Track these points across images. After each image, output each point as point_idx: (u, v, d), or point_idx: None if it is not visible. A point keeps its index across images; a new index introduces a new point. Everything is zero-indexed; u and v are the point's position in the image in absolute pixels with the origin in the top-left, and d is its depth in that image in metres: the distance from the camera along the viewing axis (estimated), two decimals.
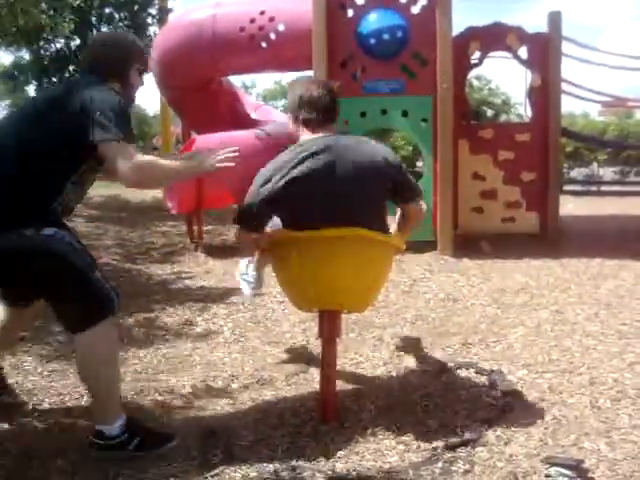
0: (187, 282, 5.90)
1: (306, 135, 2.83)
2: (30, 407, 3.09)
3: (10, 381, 3.42)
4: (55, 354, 3.89)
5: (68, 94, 2.45)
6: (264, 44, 7.70)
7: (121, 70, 2.61)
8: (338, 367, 3.07)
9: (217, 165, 2.58)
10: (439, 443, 2.58)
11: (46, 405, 3.12)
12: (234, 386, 3.28)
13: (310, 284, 2.79)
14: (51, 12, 10.60)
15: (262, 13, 7.76)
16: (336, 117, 2.88)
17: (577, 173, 16.25)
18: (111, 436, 2.47)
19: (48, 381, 3.46)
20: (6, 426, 2.89)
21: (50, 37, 11.47)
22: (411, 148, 12.51)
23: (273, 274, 3.12)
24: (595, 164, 15.97)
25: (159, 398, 3.18)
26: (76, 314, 2.44)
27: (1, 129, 2.56)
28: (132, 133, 2.47)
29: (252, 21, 7.73)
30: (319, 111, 2.81)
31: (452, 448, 2.54)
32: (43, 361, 3.77)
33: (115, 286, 2.60)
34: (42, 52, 11.76)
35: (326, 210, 2.70)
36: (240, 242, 3.02)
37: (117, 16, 11.77)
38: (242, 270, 3.41)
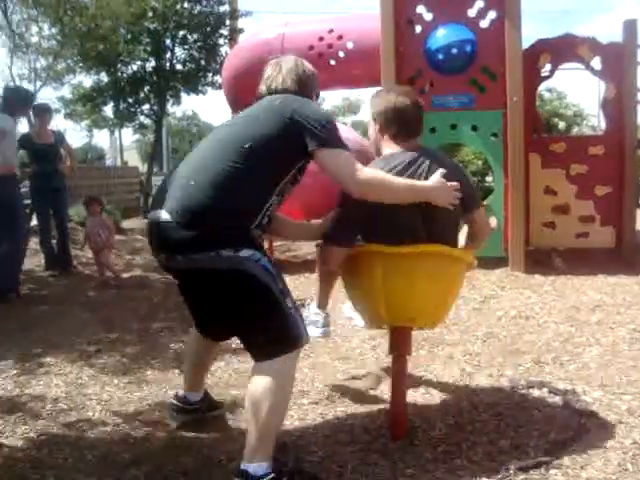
0: None
1: (391, 148, 2.81)
2: (106, 417, 3.20)
3: (88, 391, 3.57)
4: (129, 366, 4.01)
5: (270, 109, 2.49)
6: (333, 62, 7.80)
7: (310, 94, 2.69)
8: (408, 384, 3.06)
9: (450, 201, 2.58)
10: (511, 464, 2.52)
11: (122, 416, 3.22)
12: (304, 401, 3.30)
13: (383, 299, 2.77)
14: (129, 36, 11.03)
15: (331, 31, 7.87)
16: (421, 130, 2.87)
17: None
18: (256, 476, 2.30)
19: (124, 392, 3.57)
20: (84, 435, 3.01)
21: (127, 60, 11.89)
22: (481, 163, 12.35)
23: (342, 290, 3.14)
24: None
25: (229, 413, 3.23)
26: (262, 341, 2.35)
27: (200, 153, 2.52)
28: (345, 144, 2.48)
29: (321, 39, 7.84)
30: (408, 123, 2.79)
31: (525, 470, 2.48)
32: (119, 373, 3.89)
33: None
34: (119, 74, 12.19)
35: (410, 226, 2.68)
36: (328, 262, 2.87)
37: (190, 38, 12.09)
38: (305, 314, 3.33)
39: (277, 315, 2.35)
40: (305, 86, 2.67)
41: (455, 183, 2.60)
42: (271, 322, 2.34)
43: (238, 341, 4.43)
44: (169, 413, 3.06)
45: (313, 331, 3.09)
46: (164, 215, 2.32)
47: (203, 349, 2.93)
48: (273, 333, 2.34)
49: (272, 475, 2.30)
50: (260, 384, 2.33)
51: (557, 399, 3.18)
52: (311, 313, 3.15)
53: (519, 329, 4.54)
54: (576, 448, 2.65)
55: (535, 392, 3.30)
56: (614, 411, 3.02)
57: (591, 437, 2.75)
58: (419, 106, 2.86)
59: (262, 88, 2.69)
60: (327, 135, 2.41)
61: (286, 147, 2.41)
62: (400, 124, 2.80)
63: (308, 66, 2.76)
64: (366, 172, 2.45)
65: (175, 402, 3.02)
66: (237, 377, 3.78)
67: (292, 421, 3.08)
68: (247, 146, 2.37)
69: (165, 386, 3.66)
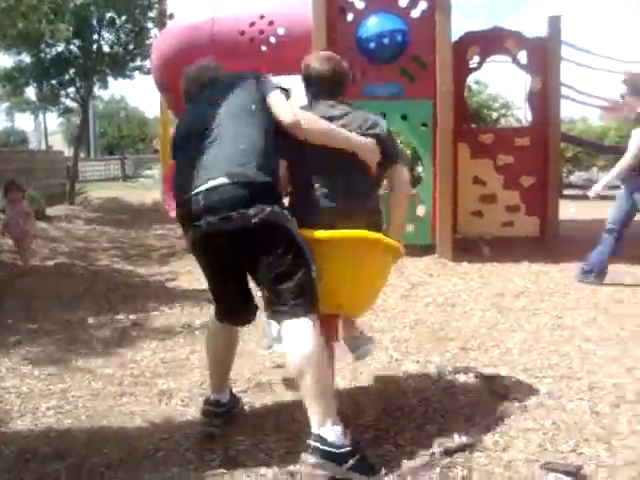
0: (185, 284, 5.89)
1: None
2: (25, 410, 3.09)
3: (6, 384, 3.44)
4: (51, 357, 3.89)
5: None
6: (264, 47, 7.72)
7: None
8: (336, 371, 3.06)
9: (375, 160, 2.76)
10: (437, 448, 2.56)
11: (43, 409, 3.11)
12: (233, 391, 3.27)
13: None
14: (51, 16, 10.60)
15: (262, 17, 7.79)
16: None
17: (577, 177, 16.25)
18: (335, 443, 2.29)
19: (46, 384, 3.45)
20: (1, 429, 2.89)
21: (51, 41, 11.45)
22: (410, 152, 12.48)
23: None
24: (595, 169, 15.97)
25: (157, 402, 3.17)
26: (294, 295, 2.44)
27: (226, 124, 2.61)
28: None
29: (252, 25, 7.75)
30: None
31: (450, 453, 2.52)
32: (40, 364, 3.76)
33: None
34: (43, 55, 11.73)
35: (328, 194, 2.70)
36: None
37: (118, 20, 11.74)
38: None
39: (308, 274, 2.48)
40: None
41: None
42: (303, 278, 2.46)
43: (166, 329, 4.40)
44: (205, 421, 2.84)
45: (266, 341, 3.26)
46: (220, 179, 2.45)
47: (223, 345, 2.87)
48: (304, 289, 2.46)
49: (347, 450, 2.30)
50: (300, 346, 2.39)
51: (482, 384, 3.25)
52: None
53: (446, 316, 4.62)
54: (499, 431, 2.72)
55: (461, 378, 3.36)
56: (535, 394, 3.11)
57: (513, 420, 2.83)
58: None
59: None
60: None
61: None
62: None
63: None
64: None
65: (209, 408, 2.85)
66: (165, 366, 3.71)
67: None
68: (253, 107, 2.61)
69: (89, 377, 3.56)
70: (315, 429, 2.34)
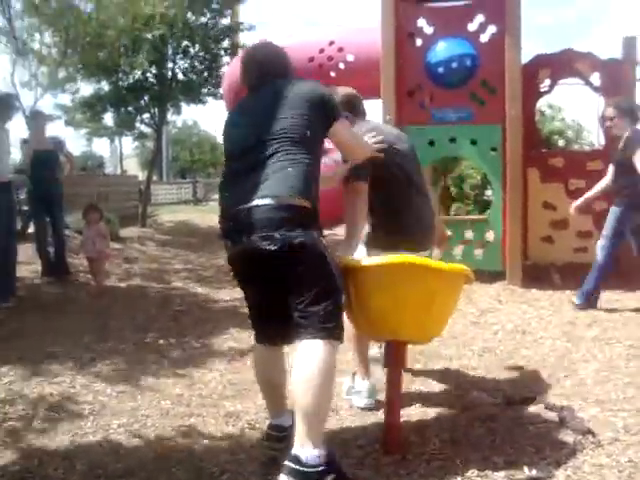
0: None
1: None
2: (98, 427, 3.18)
3: (81, 400, 3.55)
4: (123, 376, 3.99)
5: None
6: (333, 74, 7.84)
7: None
8: (403, 399, 3.03)
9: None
10: None
11: (114, 426, 3.20)
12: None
13: (361, 312, 2.86)
14: (130, 46, 11.01)
15: (331, 43, 7.92)
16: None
17: None
18: (308, 463, 2.32)
19: (117, 402, 3.55)
20: (75, 442, 2.98)
21: (128, 70, 11.88)
22: (480, 177, 12.37)
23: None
24: None
25: (223, 424, 3.21)
26: (320, 318, 2.47)
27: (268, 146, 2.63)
28: None
29: (321, 51, 7.89)
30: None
31: None
32: (113, 382, 3.87)
33: None
34: (120, 83, 12.19)
35: None
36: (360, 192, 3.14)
37: (192, 49, 12.11)
38: (347, 387, 3.53)
39: (337, 302, 2.54)
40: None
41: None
42: (332, 305, 2.50)
43: (234, 352, 4.45)
44: (268, 445, 2.84)
45: (357, 401, 3.39)
46: (266, 200, 2.49)
47: (271, 368, 2.86)
48: (331, 316, 2.49)
49: (322, 468, 2.33)
50: (317, 367, 2.40)
51: (552, 415, 3.15)
52: (356, 383, 3.43)
53: (515, 344, 4.52)
54: (571, 466, 2.63)
55: (531, 408, 3.27)
56: (610, 428, 3.00)
57: (587, 455, 2.73)
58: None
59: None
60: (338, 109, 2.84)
61: (320, 126, 2.72)
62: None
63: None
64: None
65: (271, 432, 2.85)
66: (231, 388, 3.76)
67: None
68: (308, 133, 2.63)
69: (159, 396, 3.64)
70: (296, 449, 2.35)
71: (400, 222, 3.30)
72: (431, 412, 3.27)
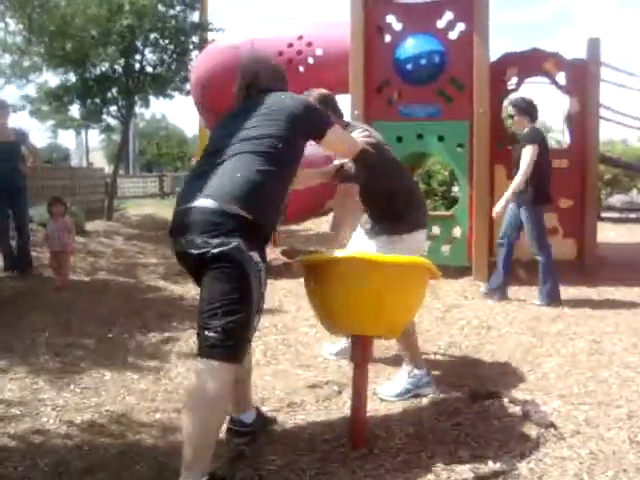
0: None
1: None
2: (61, 423, 3.13)
3: (43, 397, 3.49)
4: (86, 371, 3.94)
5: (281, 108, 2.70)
6: (301, 68, 7.80)
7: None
8: (370, 393, 3.04)
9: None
10: (470, 474, 2.53)
11: (78, 422, 3.15)
12: (264, 409, 3.27)
13: (324, 309, 2.88)
14: (98, 36, 10.83)
15: (300, 38, 7.88)
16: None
17: (616, 200, 15.98)
18: None
19: (81, 398, 3.50)
20: (37, 440, 2.94)
21: (96, 61, 11.69)
22: (447, 173, 12.47)
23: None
24: (635, 191, 15.70)
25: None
26: (219, 336, 2.37)
27: (231, 148, 2.61)
28: None
29: (290, 45, 7.85)
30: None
31: (482, 479, 2.49)
32: (76, 378, 3.81)
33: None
34: (87, 74, 11.99)
35: None
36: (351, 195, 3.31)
37: (162, 42, 11.96)
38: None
39: (242, 322, 2.40)
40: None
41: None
42: (234, 324, 2.38)
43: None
44: (227, 438, 2.88)
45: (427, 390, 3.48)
46: (201, 201, 2.45)
47: None
48: (231, 335, 2.38)
49: None
50: (205, 388, 2.36)
51: (517, 409, 3.20)
52: (418, 378, 3.48)
53: (481, 339, 4.57)
54: (534, 458, 2.67)
55: (495, 402, 3.31)
56: (572, 421, 3.05)
57: (549, 448, 2.77)
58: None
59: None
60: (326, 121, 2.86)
61: (300, 142, 2.69)
62: None
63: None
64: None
65: (232, 427, 2.88)
66: None
67: None
68: (280, 146, 2.57)
69: (123, 392, 3.59)
70: (182, 470, 2.31)
71: (409, 204, 3.52)
72: (397, 407, 3.29)
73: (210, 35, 12.30)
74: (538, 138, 5.73)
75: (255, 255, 2.45)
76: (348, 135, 3.14)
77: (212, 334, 2.39)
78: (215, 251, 2.38)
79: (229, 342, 2.37)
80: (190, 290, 6.54)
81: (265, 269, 2.52)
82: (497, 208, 5.78)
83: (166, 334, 4.81)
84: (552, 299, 5.61)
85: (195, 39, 12.26)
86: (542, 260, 5.71)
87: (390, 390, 3.45)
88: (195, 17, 12.43)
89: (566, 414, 3.15)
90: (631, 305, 5.55)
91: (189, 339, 4.65)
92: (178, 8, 11.89)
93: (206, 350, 2.40)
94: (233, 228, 2.41)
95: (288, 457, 2.71)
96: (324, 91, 3.50)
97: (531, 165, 5.59)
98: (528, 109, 5.78)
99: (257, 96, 2.78)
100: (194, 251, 2.44)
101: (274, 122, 2.61)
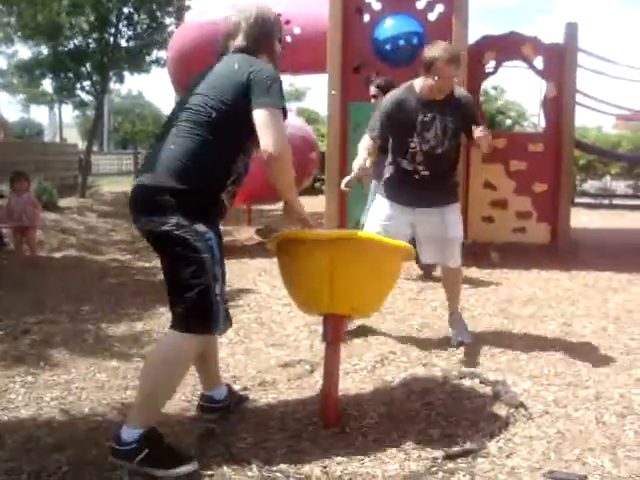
0: None
1: None
2: (30, 400, 3.10)
3: (12, 373, 3.45)
4: (57, 348, 3.89)
5: (229, 76, 2.53)
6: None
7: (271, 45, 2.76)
8: (341, 372, 3.05)
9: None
10: (440, 453, 2.55)
11: (47, 399, 3.12)
12: (236, 387, 3.26)
13: (296, 287, 2.86)
14: (70, 9, 10.64)
15: (278, 16, 7.79)
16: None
17: (590, 186, 16.16)
18: (125, 441, 2.35)
19: (50, 375, 3.46)
20: (5, 416, 2.90)
21: (69, 34, 11.49)
22: None
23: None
24: (608, 177, 15.87)
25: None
26: (180, 311, 2.44)
27: (175, 118, 2.55)
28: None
29: None
30: None
31: (453, 458, 2.51)
32: (46, 355, 3.77)
33: (227, 312, 2.55)
34: (60, 48, 11.77)
35: None
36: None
37: (136, 16, 11.76)
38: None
39: (201, 294, 2.41)
40: (266, 39, 2.74)
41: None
42: (193, 298, 2.41)
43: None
44: (199, 413, 2.94)
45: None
46: (142, 178, 2.48)
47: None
48: (191, 308, 2.42)
49: (135, 445, 2.34)
50: (163, 353, 2.49)
51: (487, 389, 3.23)
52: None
53: None
54: (503, 437, 2.70)
55: (467, 382, 3.34)
56: (541, 402, 3.09)
57: (518, 427, 2.81)
58: None
59: (223, 45, 2.72)
60: (271, 96, 2.48)
61: (246, 112, 2.47)
62: None
63: (269, 13, 2.77)
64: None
65: (202, 403, 2.91)
66: None
67: None
68: (214, 116, 2.47)
69: (94, 369, 3.56)
70: (123, 428, 2.39)
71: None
72: (369, 386, 3.30)
73: (188, 2, 12.14)
74: None
75: (200, 226, 2.42)
76: (281, 129, 2.48)
77: (176, 309, 2.46)
78: (157, 230, 2.40)
79: (191, 314, 2.42)
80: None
81: (217, 235, 2.51)
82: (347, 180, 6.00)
83: (138, 311, 4.78)
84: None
85: (172, 9, 12.07)
86: None
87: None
88: None
89: (535, 394, 3.19)
90: (602, 289, 5.62)
91: (162, 316, 4.62)
92: None
93: (173, 323, 2.48)
94: (170, 204, 2.38)
95: (259, 435, 2.71)
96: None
97: None
98: (390, 90, 5.86)
99: (227, 56, 2.65)
100: (143, 229, 2.47)
101: (217, 89, 2.50)
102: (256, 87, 2.46)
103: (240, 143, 2.55)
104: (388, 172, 4.02)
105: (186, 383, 3.31)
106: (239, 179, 2.62)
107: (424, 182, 3.82)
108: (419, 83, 3.78)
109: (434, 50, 3.63)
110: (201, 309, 2.43)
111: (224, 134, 2.49)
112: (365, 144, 3.85)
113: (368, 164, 3.66)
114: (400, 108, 3.79)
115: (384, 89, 5.77)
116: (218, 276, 2.48)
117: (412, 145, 3.78)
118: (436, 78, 3.61)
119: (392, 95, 3.91)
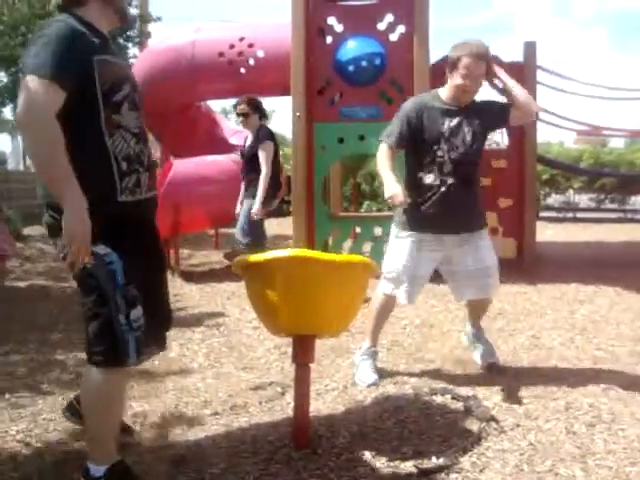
0: None
1: None
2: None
3: None
4: (23, 380, 3.81)
5: None
6: (243, 70, 7.77)
7: None
8: (312, 393, 3.03)
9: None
10: (413, 470, 2.54)
11: (13, 432, 3.05)
12: (207, 412, 3.23)
13: (263, 309, 2.83)
14: (29, 35, 10.55)
15: (241, 39, 7.85)
16: None
17: (553, 200, 16.43)
18: (94, 477, 2.32)
19: (16, 407, 3.38)
20: None
21: None
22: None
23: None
24: (571, 191, 16.16)
25: (130, 424, 3.11)
26: (88, 343, 2.28)
27: None
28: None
29: (231, 47, 7.81)
30: None
31: (426, 475, 2.51)
32: (12, 387, 3.69)
33: (140, 340, 2.31)
34: (20, 75, 11.65)
35: None
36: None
37: None
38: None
39: (102, 325, 2.23)
40: None
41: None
42: (95, 328, 2.24)
43: None
44: (67, 415, 2.92)
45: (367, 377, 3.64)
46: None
47: None
48: (93, 340, 2.26)
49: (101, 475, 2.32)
50: (85, 391, 2.37)
51: (459, 405, 3.24)
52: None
53: (423, 337, 4.61)
54: (476, 452, 2.71)
55: (438, 399, 3.34)
56: (512, 415, 3.11)
57: (490, 441, 2.82)
58: None
59: None
60: (36, 60, 2.10)
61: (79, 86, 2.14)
62: None
63: None
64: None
65: (76, 404, 2.82)
66: (138, 388, 3.65)
67: (194, 432, 2.99)
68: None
69: (62, 400, 3.48)
70: (88, 461, 2.37)
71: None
72: (341, 406, 3.29)
73: (149, 28, 12.14)
74: (272, 136, 6.26)
75: (100, 247, 2.17)
76: (33, 96, 2.06)
77: (88, 339, 2.29)
78: (61, 256, 2.22)
79: (98, 347, 2.25)
80: None
81: (121, 257, 2.21)
82: (255, 209, 6.05)
83: None
84: None
85: (133, 33, 12.04)
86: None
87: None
88: (134, 11, 12.25)
89: (507, 408, 3.20)
90: (569, 301, 5.70)
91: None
92: None
93: (88, 358, 2.31)
94: (59, 225, 2.11)
95: (231, 460, 2.68)
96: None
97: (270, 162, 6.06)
98: (260, 107, 6.28)
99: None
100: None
101: None
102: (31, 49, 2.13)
103: (98, 121, 2.20)
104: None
105: (156, 410, 3.27)
106: (136, 171, 2.29)
107: (449, 195, 3.50)
108: (444, 90, 3.61)
109: (461, 48, 3.47)
110: (103, 342, 2.23)
111: (74, 117, 2.16)
112: (386, 156, 3.59)
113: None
114: (423, 114, 3.53)
115: (257, 108, 6.14)
116: (121, 305, 2.21)
117: (439, 154, 3.50)
118: (462, 75, 3.44)
119: (413, 100, 3.71)
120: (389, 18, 6.78)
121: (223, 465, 2.63)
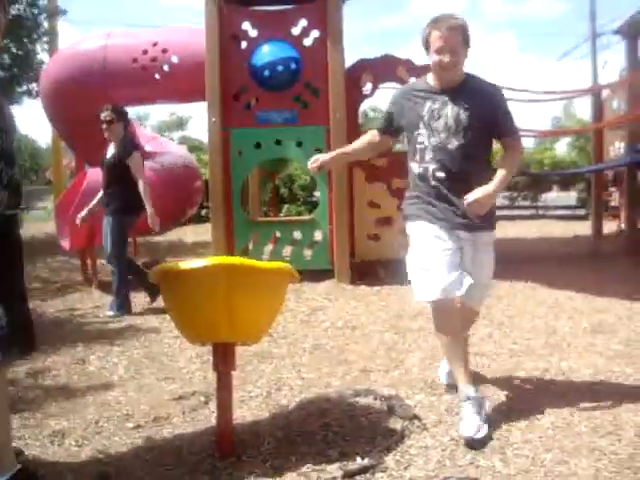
0: (80, 319, 5.67)
1: None
2: None
3: None
4: None
5: None
6: (157, 76, 7.63)
7: None
8: (236, 400, 3.01)
9: None
10: (339, 472, 2.56)
11: None
12: (129, 425, 3.15)
13: (182, 318, 2.80)
14: None
15: (155, 44, 7.70)
16: None
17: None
18: None
19: None
20: None
21: None
22: (309, 178, 12.66)
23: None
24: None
25: (48, 443, 3.00)
26: None
27: None
28: None
29: (145, 52, 7.65)
30: None
31: (351, 476, 2.53)
32: None
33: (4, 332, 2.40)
34: None
35: None
36: None
37: (2, 43, 11.27)
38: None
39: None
40: None
41: None
42: None
43: (59, 366, 4.20)
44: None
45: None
46: None
47: None
48: None
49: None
50: None
51: (382, 405, 3.28)
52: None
53: (345, 339, 4.65)
54: (400, 450, 2.75)
55: (362, 400, 3.37)
56: (434, 411, 3.17)
57: (414, 439, 2.87)
58: None
59: None
60: None
61: None
62: None
63: None
64: None
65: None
66: (57, 406, 3.53)
67: (116, 447, 2.92)
68: None
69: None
70: None
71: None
72: (265, 412, 3.28)
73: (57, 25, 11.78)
74: (137, 146, 6.08)
75: None
76: None
77: None
78: None
79: None
80: (48, 307, 6.23)
81: None
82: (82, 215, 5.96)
83: (25, 358, 4.52)
84: (124, 310, 5.74)
85: (40, 34, 11.63)
86: (116, 271, 5.80)
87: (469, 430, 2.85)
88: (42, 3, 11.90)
89: (429, 405, 3.27)
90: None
91: (47, 358, 4.40)
92: (24, 2, 11.29)
93: None
94: None
95: (155, 472, 2.63)
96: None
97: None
98: (124, 115, 5.96)
99: None
100: None
101: None
102: None
103: None
104: (407, 199, 3.55)
105: (75, 427, 3.17)
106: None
107: (442, 191, 3.21)
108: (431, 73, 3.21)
109: (428, 24, 3.07)
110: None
111: None
112: (361, 138, 3.45)
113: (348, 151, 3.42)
114: (408, 96, 3.23)
115: (122, 115, 5.86)
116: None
117: (420, 140, 3.17)
118: (435, 51, 3.02)
119: (404, 85, 3.55)
120: (303, 23, 6.85)
121: (148, 479, 2.57)
